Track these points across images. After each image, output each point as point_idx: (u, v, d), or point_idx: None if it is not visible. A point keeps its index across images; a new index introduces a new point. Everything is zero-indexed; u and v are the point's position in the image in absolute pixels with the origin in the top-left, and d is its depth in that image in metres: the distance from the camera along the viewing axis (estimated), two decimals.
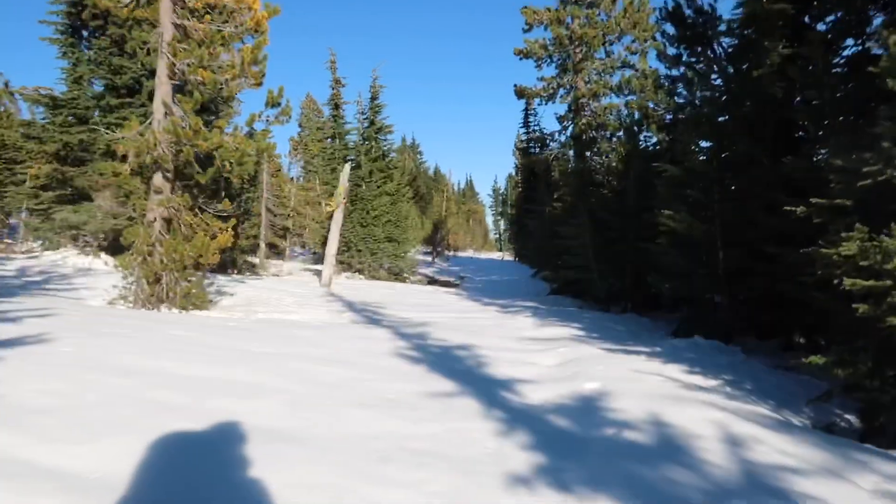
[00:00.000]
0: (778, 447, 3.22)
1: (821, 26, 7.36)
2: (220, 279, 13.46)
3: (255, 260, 20.19)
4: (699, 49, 12.72)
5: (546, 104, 16.94)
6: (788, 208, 5.41)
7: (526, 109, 26.38)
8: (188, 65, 9.02)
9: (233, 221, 9.98)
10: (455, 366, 5.34)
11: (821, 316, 5.80)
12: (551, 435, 3.28)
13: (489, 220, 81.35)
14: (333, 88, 25.19)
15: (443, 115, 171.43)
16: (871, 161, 4.20)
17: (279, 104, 9.68)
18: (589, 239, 11.93)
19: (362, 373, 4.65)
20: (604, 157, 16.11)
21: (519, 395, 4.33)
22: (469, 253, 60.82)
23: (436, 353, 5.98)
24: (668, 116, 13.87)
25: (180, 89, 9.57)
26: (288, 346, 5.81)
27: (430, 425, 3.32)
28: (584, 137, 16.06)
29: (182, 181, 9.70)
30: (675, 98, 13.92)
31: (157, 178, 8.96)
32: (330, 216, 15.80)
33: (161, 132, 8.73)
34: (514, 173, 59.27)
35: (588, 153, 16.01)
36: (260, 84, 9.54)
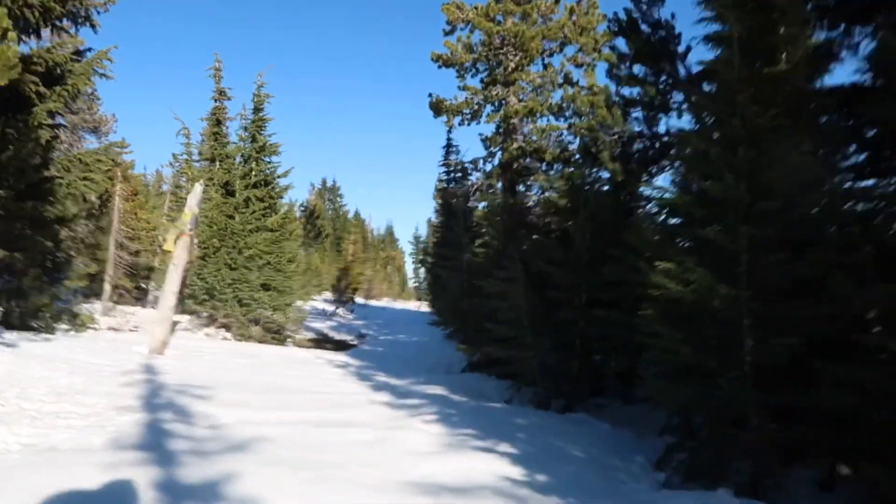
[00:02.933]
0: None
1: None
2: None
3: (83, 307, 15.45)
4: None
5: (469, 124, 13.69)
6: None
7: (448, 137, 23.23)
8: None
9: None
10: None
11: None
12: None
13: (409, 267, 78.77)
14: (217, 101, 21.15)
15: (365, 156, 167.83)
16: None
17: None
18: (523, 300, 8.41)
19: None
20: (540, 192, 12.92)
21: None
22: (385, 301, 56.88)
23: None
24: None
25: None
26: None
27: None
28: (515, 166, 12.83)
29: None
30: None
31: None
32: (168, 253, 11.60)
33: None
34: (433, 217, 56.66)
35: (520, 186, 12.76)
36: None
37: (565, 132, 12.75)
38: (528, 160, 12.91)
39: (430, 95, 13.50)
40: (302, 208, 35.47)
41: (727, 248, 4.74)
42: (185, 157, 21.58)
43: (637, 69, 11.41)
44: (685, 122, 11.03)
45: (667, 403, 5.60)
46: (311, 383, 9.25)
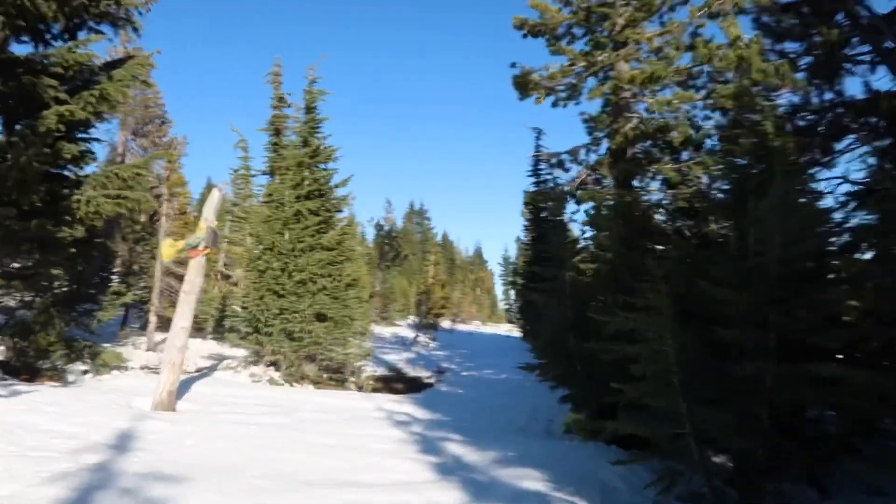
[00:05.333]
0: None
1: None
2: None
3: (105, 346, 13.49)
4: None
5: (566, 104, 10.59)
6: None
7: (538, 139, 20.14)
8: None
9: None
10: None
11: None
12: None
13: (499, 289, 76.57)
14: (276, 108, 19.20)
15: (452, 178, 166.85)
16: None
17: None
18: (671, 344, 5.20)
19: None
20: (665, 186, 9.64)
21: None
22: (474, 325, 54.13)
23: None
24: None
25: None
26: None
27: None
28: (629, 153, 9.63)
29: None
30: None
31: None
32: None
33: None
34: (522, 235, 53.50)
35: (636, 179, 9.56)
36: None
37: (699, 105, 9.44)
38: (646, 144, 9.72)
39: (513, 65, 10.52)
40: (379, 228, 33.30)
41: None
42: (244, 171, 19.66)
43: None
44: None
45: None
46: (347, 463, 6.39)
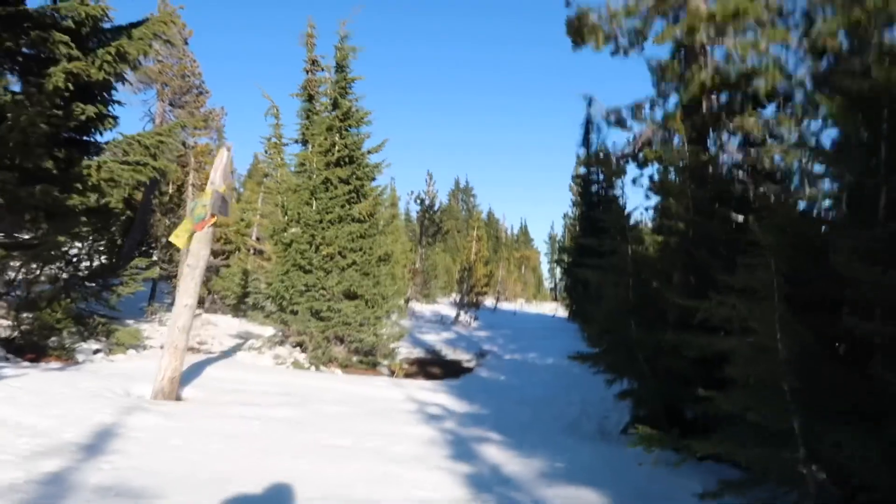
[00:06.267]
0: None
1: None
2: None
3: (120, 323, 12.69)
4: None
5: (628, 52, 9.07)
6: None
7: (588, 107, 18.45)
8: None
9: None
10: None
11: None
12: None
13: (545, 267, 75.12)
14: (308, 73, 18.08)
15: (497, 155, 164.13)
16: None
17: None
18: (780, 340, 3.85)
19: None
20: (744, 144, 8.09)
21: None
22: (519, 304, 52.80)
23: None
24: None
25: None
26: None
27: None
28: (705, 107, 8.11)
29: None
30: None
31: None
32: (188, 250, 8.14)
33: None
34: (570, 211, 51.52)
35: (710, 137, 8.06)
36: None
37: (793, 48, 7.84)
38: (726, 96, 8.18)
39: (567, 4, 9.03)
40: (418, 201, 32.06)
41: None
42: (275, 140, 18.64)
43: None
44: None
45: None
46: (359, 474, 5.25)
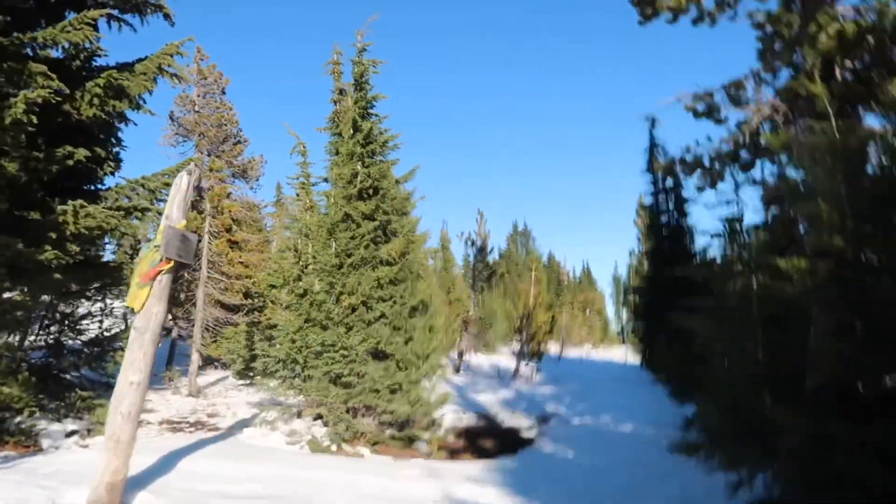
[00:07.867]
0: None
1: None
2: None
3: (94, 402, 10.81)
4: None
5: (714, 20, 6.65)
6: None
7: (651, 129, 15.93)
8: None
9: None
10: None
11: None
12: None
13: (610, 310, 71.45)
14: (336, 103, 16.37)
15: (556, 199, 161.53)
16: None
17: None
18: None
19: None
20: None
21: None
22: (584, 350, 49.23)
23: None
24: None
25: None
26: None
27: None
28: (845, 65, 5.64)
29: None
30: None
31: None
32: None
33: None
34: (636, 248, 48.27)
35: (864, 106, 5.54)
36: None
37: None
38: (870, 54, 5.69)
39: None
40: (469, 242, 29.83)
41: None
42: (303, 179, 16.87)
43: None
44: None
45: None
46: None
